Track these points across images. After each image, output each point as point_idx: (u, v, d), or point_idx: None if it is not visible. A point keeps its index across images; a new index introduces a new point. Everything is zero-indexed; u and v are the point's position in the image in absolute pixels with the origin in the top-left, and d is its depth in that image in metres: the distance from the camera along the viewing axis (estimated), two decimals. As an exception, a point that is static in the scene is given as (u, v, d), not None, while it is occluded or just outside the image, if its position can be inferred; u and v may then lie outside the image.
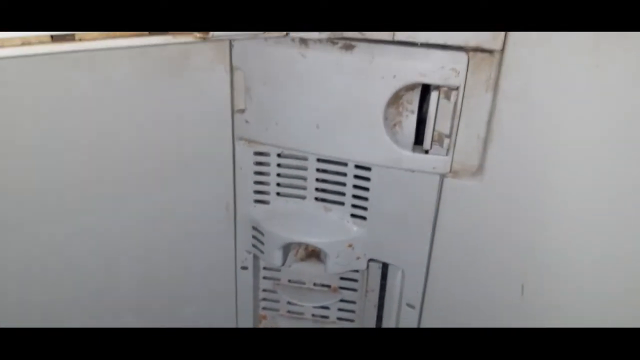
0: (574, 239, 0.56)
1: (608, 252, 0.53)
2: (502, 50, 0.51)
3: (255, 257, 0.76)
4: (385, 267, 0.72)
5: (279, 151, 0.67)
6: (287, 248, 0.73)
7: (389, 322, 0.74)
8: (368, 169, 0.64)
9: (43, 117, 0.58)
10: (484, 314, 0.63)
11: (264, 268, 0.79)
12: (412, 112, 0.58)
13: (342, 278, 0.77)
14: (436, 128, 0.58)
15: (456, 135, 0.57)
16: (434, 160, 0.59)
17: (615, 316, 0.56)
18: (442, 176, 0.60)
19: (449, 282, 0.65)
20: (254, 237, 0.73)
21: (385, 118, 0.59)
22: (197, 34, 0.44)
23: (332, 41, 0.57)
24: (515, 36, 0.50)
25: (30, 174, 0.60)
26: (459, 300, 0.65)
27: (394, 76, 0.56)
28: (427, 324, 0.68)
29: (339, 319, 0.80)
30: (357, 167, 0.65)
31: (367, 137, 0.60)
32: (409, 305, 0.70)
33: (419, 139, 0.60)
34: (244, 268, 0.77)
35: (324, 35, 0.55)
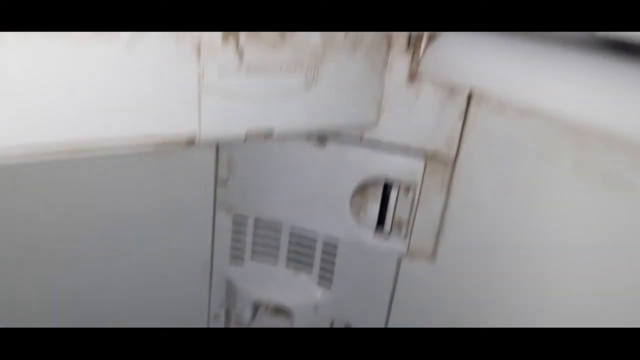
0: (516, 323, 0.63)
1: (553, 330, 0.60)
2: (455, 159, 0.59)
3: (228, 312, 0.82)
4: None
5: (256, 222, 0.74)
6: (257, 304, 0.79)
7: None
8: (335, 247, 0.71)
9: (43, 185, 0.64)
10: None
11: (235, 322, 0.85)
12: (376, 200, 0.65)
13: (307, 333, 0.83)
14: (396, 215, 0.65)
15: (413, 224, 0.64)
16: (393, 243, 0.66)
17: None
18: (400, 256, 0.67)
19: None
20: (227, 293, 0.79)
21: (352, 204, 0.65)
22: (185, 142, 0.50)
23: (307, 137, 0.63)
24: (466, 148, 0.58)
25: (35, 231, 0.66)
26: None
27: (360, 171, 0.63)
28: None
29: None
30: (325, 244, 0.71)
31: (335, 218, 0.67)
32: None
33: (382, 221, 0.67)
34: (216, 317, 0.83)
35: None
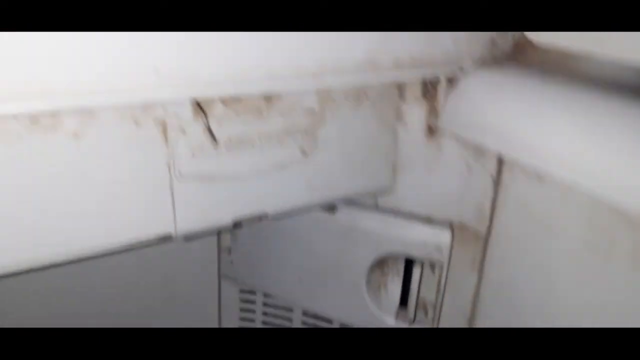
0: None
1: None
2: (487, 234, 0.49)
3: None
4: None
5: (265, 299, 0.65)
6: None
7: None
8: (353, 324, 0.61)
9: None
10: None
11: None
12: (398, 275, 0.56)
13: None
14: (420, 296, 0.55)
15: (440, 309, 0.54)
16: (417, 324, 0.56)
17: None
18: (428, 343, 0.57)
19: None
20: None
21: (369, 281, 0.56)
22: (158, 240, 0.43)
23: (313, 205, 0.55)
24: (500, 222, 0.48)
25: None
26: None
27: (376, 244, 0.53)
28: None
29: None
30: (341, 327, 0.62)
31: (350, 299, 0.57)
32: None
33: (404, 301, 0.57)
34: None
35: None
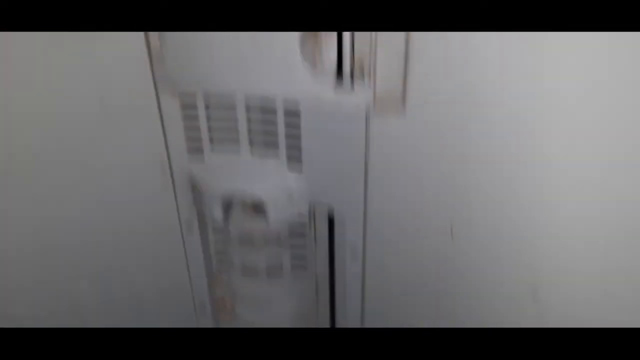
0: (506, 169, 0.51)
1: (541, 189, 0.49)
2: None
3: (201, 218, 0.73)
4: (332, 216, 0.69)
5: (206, 100, 0.63)
6: (228, 204, 0.70)
7: (340, 271, 0.71)
8: (297, 114, 0.60)
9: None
10: (419, 260, 0.59)
11: (213, 229, 0.76)
12: (331, 42, 0.54)
13: (291, 233, 0.73)
14: (356, 55, 0.54)
15: (375, 57, 0.53)
16: (357, 96, 0.55)
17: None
18: (368, 114, 0.56)
19: (386, 226, 0.61)
20: (193, 195, 0.70)
21: (302, 46, 0.54)
22: None
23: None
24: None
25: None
26: (397, 244, 0.61)
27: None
28: (370, 271, 0.65)
29: (293, 268, 0.76)
30: (286, 112, 0.61)
31: (286, 68, 0.56)
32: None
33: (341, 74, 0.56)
34: (189, 225, 0.74)
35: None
